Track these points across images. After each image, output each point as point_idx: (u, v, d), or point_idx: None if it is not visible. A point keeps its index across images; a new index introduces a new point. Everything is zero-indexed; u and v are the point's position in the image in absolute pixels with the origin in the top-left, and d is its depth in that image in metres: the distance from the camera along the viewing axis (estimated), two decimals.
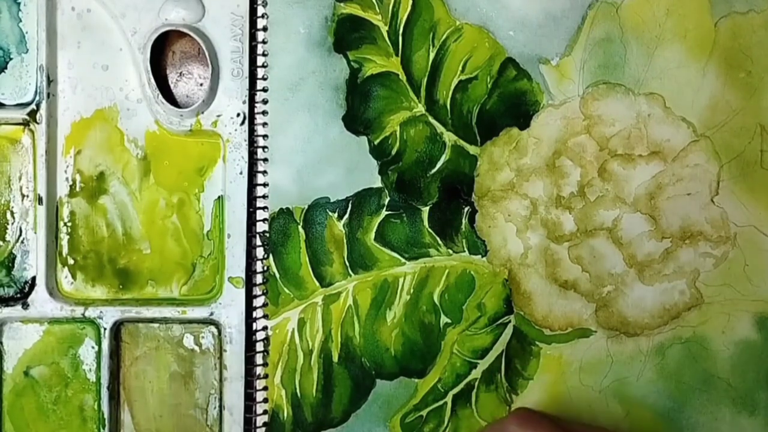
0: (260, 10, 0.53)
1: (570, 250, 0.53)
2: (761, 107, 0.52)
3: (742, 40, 0.52)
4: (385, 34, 0.53)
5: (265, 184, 0.53)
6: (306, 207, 0.53)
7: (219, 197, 0.54)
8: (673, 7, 0.53)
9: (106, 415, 0.53)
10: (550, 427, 0.45)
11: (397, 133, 0.53)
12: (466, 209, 0.53)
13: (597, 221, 0.53)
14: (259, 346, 0.53)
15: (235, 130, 0.53)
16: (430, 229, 0.53)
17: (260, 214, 0.53)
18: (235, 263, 0.53)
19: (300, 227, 0.53)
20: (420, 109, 0.53)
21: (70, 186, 0.54)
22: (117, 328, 0.54)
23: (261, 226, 0.53)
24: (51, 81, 0.53)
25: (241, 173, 0.53)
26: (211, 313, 0.53)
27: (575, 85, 0.53)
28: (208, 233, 0.54)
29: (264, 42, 0.53)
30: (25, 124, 0.53)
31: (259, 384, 0.53)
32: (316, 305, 0.53)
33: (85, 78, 0.53)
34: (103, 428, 0.53)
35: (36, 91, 0.53)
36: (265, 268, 0.53)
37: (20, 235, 0.54)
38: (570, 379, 0.53)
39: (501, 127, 0.53)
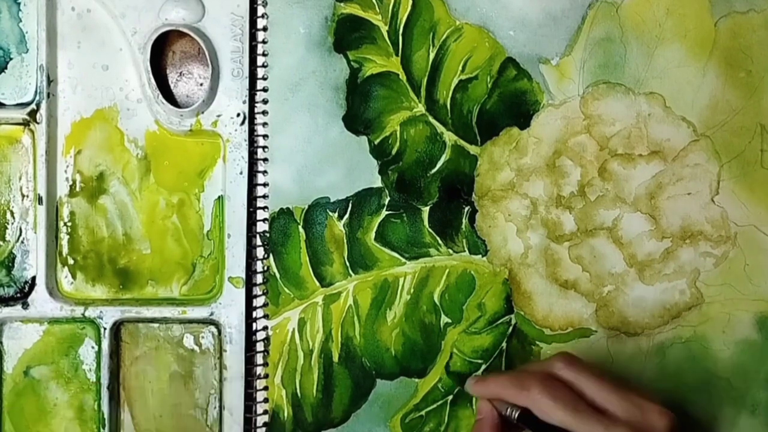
0: (260, 10, 0.53)
1: (570, 249, 0.53)
2: (761, 107, 0.53)
3: (742, 39, 0.52)
4: (385, 34, 0.53)
5: (265, 184, 0.53)
6: (306, 207, 0.53)
7: (219, 197, 0.54)
8: (673, 7, 0.53)
9: (106, 415, 0.53)
10: (594, 371, 0.45)
11: (397, 133, 0.53)
12: (466, 209, 0.53)
13: (597, 221, 0.53)
14: (259, 346, 0.53)
15: (235, 130, 0.53)
16: (430, 229, 0.53)
17: (260, 214, 0.53)
18: (235, 263, 0.53)
19: (300, 227, 0.53)
20: (420, 108, 0.53)
21: (70, 186, 0.54)
22: (117, 328, 0.54)
23: (261, 226, 0.53)
24: (51, 81, 0.53)
25: (241, 173, 0.53)
26: (211, 313, 0.53)
27: (575, 84, 0.53)
28: (208, 233, 0.54)
29: (264, 42, 0.53)
30: (25, 123, 0.53)
31: (260, 384, 0.53)
32: (317, 305, 0.53)
33: (85, 78, 0.53)
34: (103, 428, 0.53)
35: (36, 91, 0.53)
36: (266, 268, 0.53)
37: (20, 234, 0.54)
38: None
39: (501, 127, 0.53)
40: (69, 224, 0.54)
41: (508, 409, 0.45)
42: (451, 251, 0.53)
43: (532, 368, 0.47)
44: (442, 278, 0.53)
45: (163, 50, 0.54)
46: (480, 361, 0.53)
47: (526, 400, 0.44)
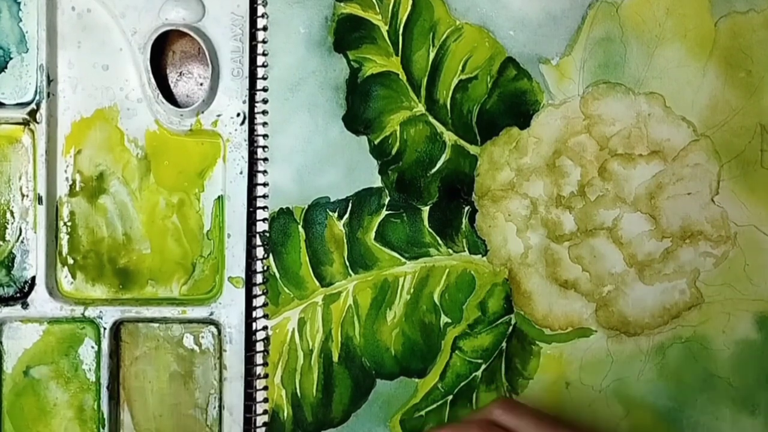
0: (260, 10, 0.53)
1: (570, 249, 0.53)
2: (761, 107, 0.53)
3: (742, 39, 0.52)
4: (385, 34, 0.53)
5: (265, 184, 0.53)
6: (306, 207, 0.53)
7: (219, 197, 0.54)
8: (673, 7, 0.53)
9: (105, 415, 0.53)
10: (533, 413, 0.47)
11: (397, 133, 0.53)
12: (466, 209, 0.53)
13: (597, 221, 0.53)
14: (259, 346, 0.53)
15: (235, 130, 0.53)
16: (430, 229, 0.53)
17: (260, 214, 0.53)
18: (235, 263, 0.53)
19: (300, 227, 0.53)
20: (420, 108, 0.53)
21: (70, 186, 0.54)
22: (117, 327, 0.54)
23: (261, 226, 0.53)
24: (51, 80, 0.53)
25: (241, 173, 0.53)
26: (211, 313, 0.53)
27: (575, 84, 0.53)
28: (208, 233, 0.54)
29: (264, 42, 0.53)
30: (25, 123, 0.53)
31: (259, 384, 0.53)
32: (317, 305, 0.53)
33: (86, 78, 0.53)
34: (103, 428, 0.53)
35: (36, 91, 0.53)
36: (265, 267, 0.53)
37: (20, 234, 0.54)
38: (570, 379, 0.53)
39: (501, 127, 0.53)
40: (69, 224, 0.54)
41: None
42: (451, 251, 0.53)
43: (472, 417, 0.48)
44: (442, 278, 0.53)
45: (163, 50, 0.54)
46: (480, 361, 0.53)
47: None
